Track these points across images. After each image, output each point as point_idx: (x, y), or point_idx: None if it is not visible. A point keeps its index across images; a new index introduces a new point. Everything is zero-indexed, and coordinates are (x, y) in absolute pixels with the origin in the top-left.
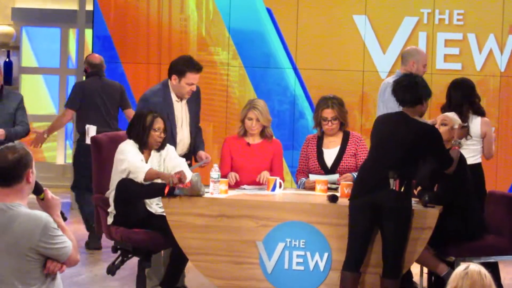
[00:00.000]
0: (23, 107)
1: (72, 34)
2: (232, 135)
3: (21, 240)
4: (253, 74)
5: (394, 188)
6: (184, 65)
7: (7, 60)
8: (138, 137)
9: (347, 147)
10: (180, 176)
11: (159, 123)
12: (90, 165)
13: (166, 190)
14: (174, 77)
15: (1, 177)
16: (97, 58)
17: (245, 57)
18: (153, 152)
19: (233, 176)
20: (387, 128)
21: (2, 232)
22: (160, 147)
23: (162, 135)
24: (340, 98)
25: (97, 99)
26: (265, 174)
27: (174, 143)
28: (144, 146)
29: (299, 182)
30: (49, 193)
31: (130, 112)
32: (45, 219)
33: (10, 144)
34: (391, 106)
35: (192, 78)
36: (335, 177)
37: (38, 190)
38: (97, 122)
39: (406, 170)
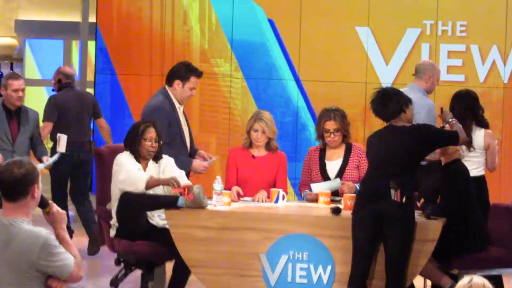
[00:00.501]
0: (38, 125)
1: (75, 46)
2: (237, 146)
3: (20, 257)
4: (255, 86)
5: (395, 198)
6: (187, 70)
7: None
8: (132, 147)
9: (350, 159)
10: (188, 188)
11: (151, 133)
12: (63, 172)
13: (179, 191)
14: (177, 82)
15: (6, 192)
16: (70, 69)
17: (247, 69)
18: (150, 163)
19: (234, 192)
20: (380, 141)
21: (3, 248)
22: (157, 158)
23: (154, 144)
24: (343, 110)
25: (71, 109)
26: (262, 194)
27: (186, 149)
28: (139, 156)
29: (302, 194)
30: (55, 207)
31: (102, 122)
32: (45, 236)
33: (17, 158)
34: None
35: (194, 82)
36: (337, 181)
37: (43, 203)
38: (70, 131)
39: (406, 179)
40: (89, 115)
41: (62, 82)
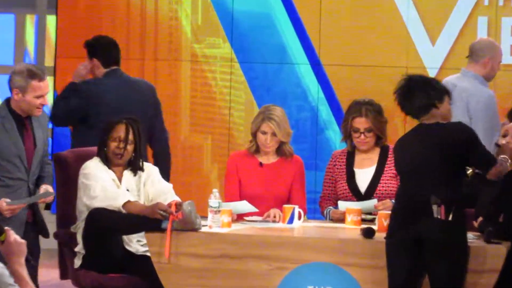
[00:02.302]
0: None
1: (30, 21)
2: (239, 151)
3: None
4: (263, 72)
5: (439, 216)
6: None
7: None
8: (100, 149)
9: (386, 166)
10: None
11: (119, 132)
12: None
13: (169, 227)
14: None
15: None
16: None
17: (252, 51)
18: (127, 173)
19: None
20: (409, 146)
21: None
22: (135, 167)
23: (121, 145)
24: (377, 104)
25: None
26: (275, 212)
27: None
28: (109, 162)
29: (324, 212)
30: (12, 235)
31: None
32: None
33: None
34: (457, 112)
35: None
36: (371, 203)
37: None
38: None
39: (450, 191)
40: None
41: None
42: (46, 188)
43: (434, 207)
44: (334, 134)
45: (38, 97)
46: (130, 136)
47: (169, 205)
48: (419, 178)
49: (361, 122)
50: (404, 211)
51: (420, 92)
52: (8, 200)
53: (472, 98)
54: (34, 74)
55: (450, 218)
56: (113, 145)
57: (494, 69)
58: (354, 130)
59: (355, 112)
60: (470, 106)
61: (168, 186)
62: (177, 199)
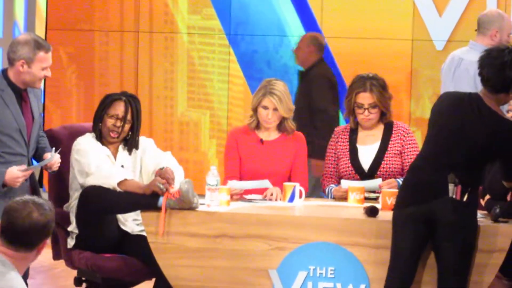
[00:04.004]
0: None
1: None
2: (238, 127)
3: None
4: (263, 45)
5: (454, 196)
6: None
7: None
8: (95, 124)
9: (390, 142)
10: (168, 176)
11: (117, 109)
12: None
13: (164, 202)
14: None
15: (12, 237)
16: None
17: (252, 23)
18: (121, 150)
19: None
20: (456, 113)
21: None
22: (130, 146)
23: (119, 124)
24: (382, 78)
25: None
26: (275, 191)
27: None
28: (102, 138)
29: (326, 190)
30: None
31: None
32: None
33: (39, 200)
34: (464, 88)
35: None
36: (375, 183)
37: None
38: None
39: (471, 174)
40: None
41: None
42: (51, 153)
43: (451, 186)
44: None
45: (43, 68)
46: (128, 116)
47: (163, 174)
48: (447, 149)
49: (365, 98)
50: (419, 186)
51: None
52: (18, 166)
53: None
54: (41, 45)
55: (464, 199)
56: (109, 122)
57: (503, 41)
58: (358, 105)
59: (359, 87)
60: (477, 80)
61: (166, 155)
62: (175, 164)
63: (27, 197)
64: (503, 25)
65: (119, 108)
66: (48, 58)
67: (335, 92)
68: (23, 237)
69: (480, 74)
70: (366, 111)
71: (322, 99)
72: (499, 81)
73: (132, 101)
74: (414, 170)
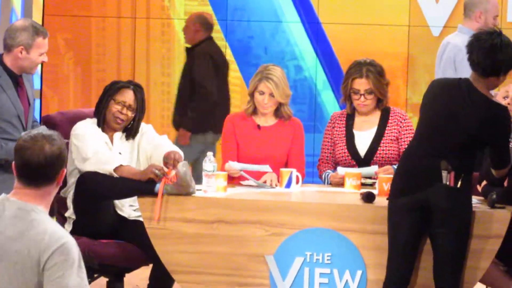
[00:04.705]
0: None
1: None
2: (235, 113)
3: (29, 253)
4: (260, 31)
5: (448, 183)
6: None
7: None
8: (99, 108)
9: (387, 128)
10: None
11: (125, 97)
12: None
13: (161, 188)
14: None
15: (31, 175)
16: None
17: (248, 9)
18: (118, 137)
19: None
20: (447, 100)
21: (15, 239)
22: (129, 134)
23: (126, 112)
24: (379, 65)
25: None
26: (272, 177)
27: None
28: (104, 124)
29: (323, 176)
30: None
31: None
32: (70, 242)
33: (47, 131)
34: (450, 74)
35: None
36: (371, 169)
37: None
38: None
39: (465, 161)
40: None
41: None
42: None
43: (444, 173)
44: (333, 96)
45: (41, 54)
46: (134, 105)
47: (166, 159)
48: (440, 136)
49: (361, 84)
50: (412, 173)
51: (501, 52)
52: None
53: (460, 52)
54: (39, 31)
55: (459, 185)
56: (115, 107)
57: (489, 24)
58: (354, 91)
59: (355, 73)
60: (457, 64)
61: (164, 139)
62: (176, 149)
63: (34, 131)
64: (488, 7)
65: (127, 96)
66: (46, 44)
67: (220, 70)
68: (42, 172)
69: (469, 59)
70: (362, 97)
71: (201, 75)
72: (489, 64)
73: (139, 91)
74: (406, 158)
